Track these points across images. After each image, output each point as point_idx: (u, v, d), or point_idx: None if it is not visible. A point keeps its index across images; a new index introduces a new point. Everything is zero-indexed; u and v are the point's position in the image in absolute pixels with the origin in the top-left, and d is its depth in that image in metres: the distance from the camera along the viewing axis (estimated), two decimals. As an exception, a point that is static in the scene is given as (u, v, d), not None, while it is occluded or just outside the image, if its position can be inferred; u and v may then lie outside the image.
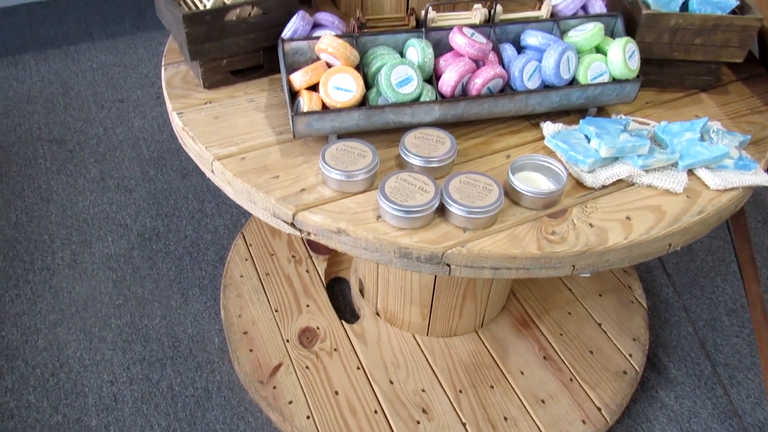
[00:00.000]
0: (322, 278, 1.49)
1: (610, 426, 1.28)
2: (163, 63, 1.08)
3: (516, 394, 1.29)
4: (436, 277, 1.23)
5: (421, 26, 0.97)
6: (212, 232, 1.70)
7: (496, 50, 0.96)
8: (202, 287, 1.56)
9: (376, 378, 1.31)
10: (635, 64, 0.94)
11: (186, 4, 1.00)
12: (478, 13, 0.99)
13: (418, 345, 1.37)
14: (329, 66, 0.91)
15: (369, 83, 0.93)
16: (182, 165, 1.89)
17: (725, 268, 1.68)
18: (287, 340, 1.37)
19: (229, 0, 0.95)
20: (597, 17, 0.99)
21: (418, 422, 1.24)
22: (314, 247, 1.56)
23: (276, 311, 1.42)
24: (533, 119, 1.00)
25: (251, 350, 1.35)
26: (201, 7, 0.96)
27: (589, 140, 0.92)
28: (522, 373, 1.33)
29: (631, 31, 1.00)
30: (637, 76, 0.95)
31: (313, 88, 0.91)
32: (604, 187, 0.89)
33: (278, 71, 1.06)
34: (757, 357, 1.48)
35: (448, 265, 0.82)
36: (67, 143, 1.95)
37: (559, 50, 0.91)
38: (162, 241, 1.67)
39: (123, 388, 1.36)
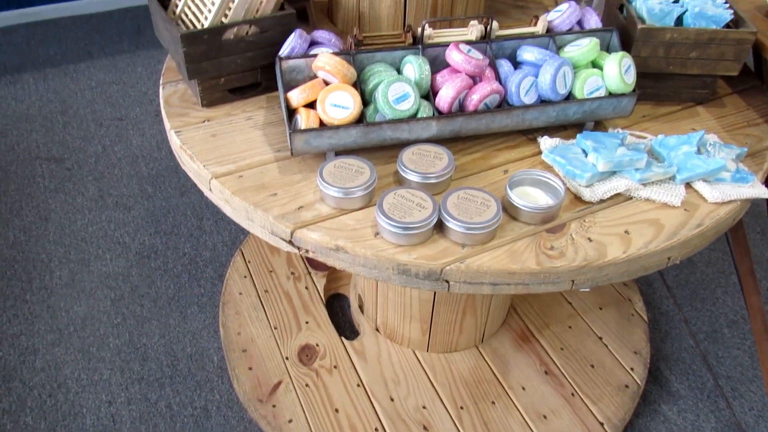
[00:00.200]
0: (322, 295, 1.49)
1: (612, 441, 1.27)
2: (161, 82, 1.09)
3: (517, 409, 1.28)
4: (435, 292, 1.23)
5: (417, 43, 0.98)
6: (211, 250, 1.69)
7: (493, 66, 0.96)
8: (201, 305, 1.56)
9: (377, 395, 1.30)
10: (631, 78, 0.95)
11: (184, 23, 1.00)
12: (474, 30, 0.99)
13: (419, 361, 1.36)
14: (326, 83, 0.92)
15: (366, 100, 0.93)
16: (181, 182, 1.89)
17: (725, 280, 1.68)
18: (287, 358, 1.36)
19: (227, 19, 0.96)
20: (592, 32, 0.99)
21: (420, 439, 1.24)
22: (313, 263, 1.56)
23: (275, 328, 1.42)
24: (530, 134, 1.00)
25: (250, 368, 1.34)
26: (199, 27, 0.97)
27: (586, 154, 0.92)
28: (523, 388, 1.32)
29: (626, 45, 1.00)
30: (634, 90, 0.96)
31: (311, 105, 0.91)
32: (602, 201, 0.89)
33: (276, 89, 1.06)
34: (759, 369, 1.48)
35: (447, 282, 0.81)
36: (66, 161, 1.95)
37: (556, 65, 0.92)
38: (160, 258, 1.67)
39: (121, 408, 1.35)
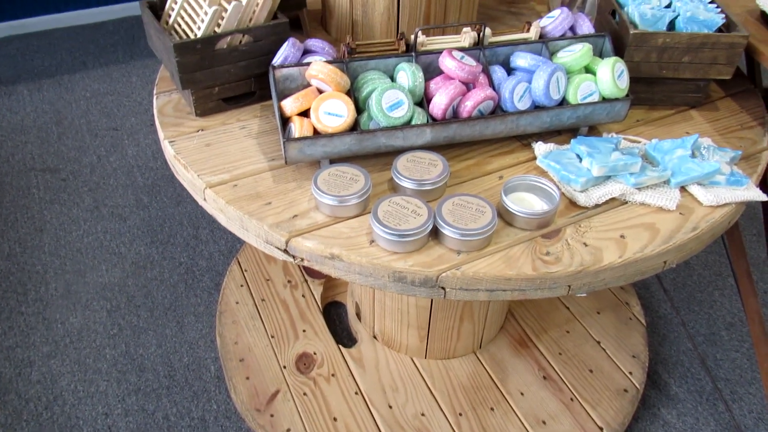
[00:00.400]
0: (319, 302, 1.48)
1: (612, 446, 1.27)
2: (155, 91, 1.08)
3: (517, 415, 1.28)
4: (432, 299, 1.22)
5: (411, 50, 0.98)
6: (207, 259, 1.69)
7: (486, 72, 0.96)
8: (198, 315, 1.55)
9: (375, 403, 1.29)
10: (624, 83, 0.95)
11: (177, 33, 1.00)
12: (467, 37, 0.99)
13: (417, 368, 1.36)
14: (320, 92, 0.92)
15: (360, 108, 0.93)
16: (176, 192, 1.89)
17: (722, 282, 1.68)
18: (284, 367, 1.35)
19: (220, 28, 0.96)
20: (585, 38, 1.00)
21: (418, 447, 1.23)
22: (310, 271, 1.55)
23: (272, 337, 1.41)
24: (525, 140, 1.00)
25: (248, 378, 1.34)
26: (192, 36, 0.97)
27: (580, 159, 0.92)
28: (522, 394, 1.31)
29: (619, 50, 1.00)
30: (627, 95, 0.96)
31: (305, 113, 0.91)
32: (597, 205, 0.89)
33: (270, 98, 1.06)
34: (757, 371, 1.47)
35: (443, 289, 0.81)
36: (61, 172, 1.94)
37: (549, 71, 0.92)
38: (156, 268, 1.66)
39: (118, 420, 1.34)
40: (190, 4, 0.98)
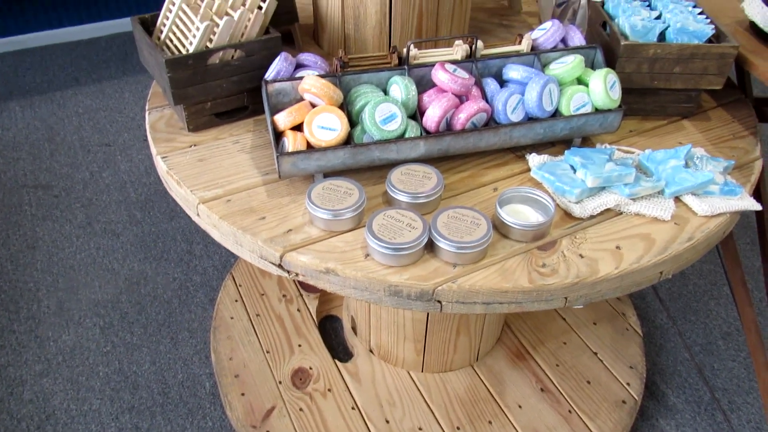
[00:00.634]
0: (314, 317, 1.47)
1: (611, 458, 1.26)
2: (147, 107, 1.08)
3: (515, 428, 1.27)
4: (428, 312, 1.22)
5: (403, 64, 0.98)
6: (201, 274, 1.68)
7: (479, 85, 0.96)
8: (192, 330, 1.54)
9: (372, 418, 1.28)
10: (617, 93, 0.95)
11: (169, 48, 1.00)
12: (459, 49, 1.00)
13: (414, 382, 1.35)
14: (313, 106, 0.91)
15: (353, 121, 0.93)
16: (170, 207, 1.88)
17: (717, 291, 1.68)
18: (280, 382, 1.34)
19: (212, 43, 0.96)
20: (577, 49, 1.00)
21: (416, 462, 1.22)
22: (305, 285, 1.55)
23: (267, 352, 1.40)
24: (519, 151, 1.00)
25: (243, 394, 1.32)
26: (184, 52, 0.96)
27: (575, 171, 0.92)
28: (520, 406, 1.31)
29: (610, 62, 1.01)
30: (620, 106, 0.96)
31: (298, 128, 0.91)
32: (592, 217, 0.89)
33: (263, 112, 1.06)
34: (754, 380, 1.47)
35: (440, 302, 0.81)
36: (53, 189, 1.93)
37: (541, 83, 0.92)
38: (150, 284, 1.65)
39: (112, 438, 1.33)
40: (181, 20, 0.98)
